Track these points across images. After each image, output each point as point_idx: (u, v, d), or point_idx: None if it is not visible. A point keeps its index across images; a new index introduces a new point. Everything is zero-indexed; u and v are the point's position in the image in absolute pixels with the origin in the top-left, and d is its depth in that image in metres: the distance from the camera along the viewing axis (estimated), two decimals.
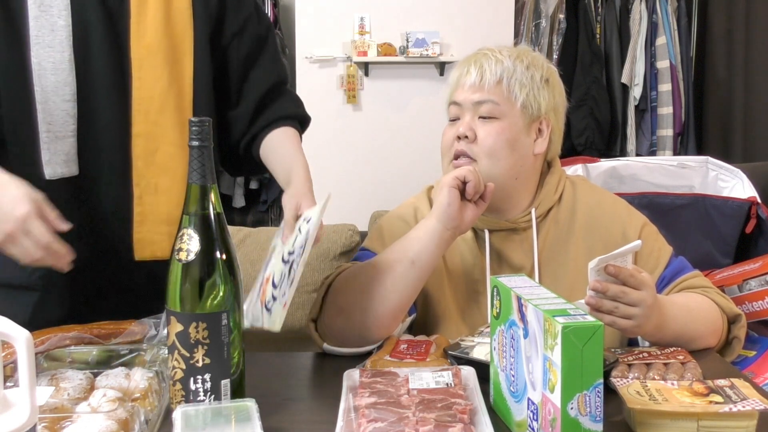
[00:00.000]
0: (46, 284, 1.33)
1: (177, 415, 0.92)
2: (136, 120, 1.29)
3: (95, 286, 1.34)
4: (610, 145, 4.72)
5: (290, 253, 1.16)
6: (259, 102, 1.42)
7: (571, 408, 0.88)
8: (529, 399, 0.97)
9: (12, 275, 1.32)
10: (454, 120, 1.45)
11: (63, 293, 1.34)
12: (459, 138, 1.41)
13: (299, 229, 1.18)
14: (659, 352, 1.26)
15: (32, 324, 1.31)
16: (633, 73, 4.67)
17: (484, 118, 1.41)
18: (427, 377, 1.10)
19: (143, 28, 1.28)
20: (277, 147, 1.39)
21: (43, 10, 1.23)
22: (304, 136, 1.47)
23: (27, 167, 1.25)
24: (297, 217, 1.20)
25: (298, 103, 1.48)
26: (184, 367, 0.96)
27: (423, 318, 1.45)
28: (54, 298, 1.34)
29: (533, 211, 1.43)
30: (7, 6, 1.23)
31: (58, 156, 1.26)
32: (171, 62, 1.31)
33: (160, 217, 1.31)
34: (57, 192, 1.25)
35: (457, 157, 1.41)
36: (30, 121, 1.24)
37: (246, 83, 1.43)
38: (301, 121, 1.46)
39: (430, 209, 1.46)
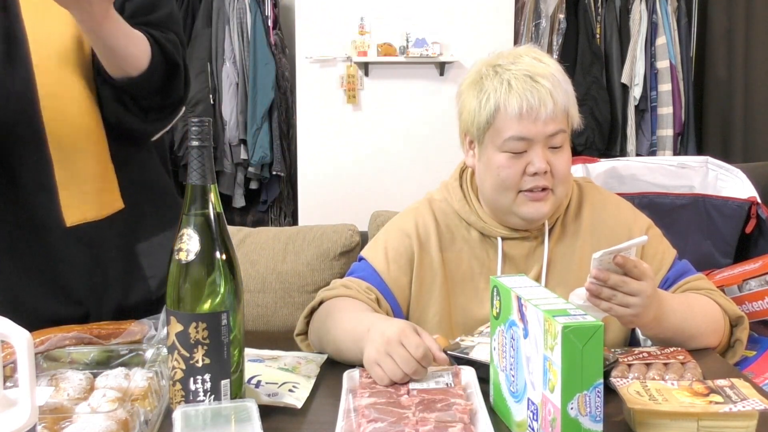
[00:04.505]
0: None
1: (177, 415, 0.92)
2: (40, 82, 1.24)
3: (27, 262, 1.31)
4: (610, 145, 4.71)
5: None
6: None
7: (571, 408, 0.88)
8: (529, 399, 0.97)
9: None
10: (516, 153, 1.35)
11: None
12: (536, 174, 1.35)
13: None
14: (659, 352, 1.26)
15: None
16: (633, 73, 4.66)
17: (554, 148, 1.36)
18: (427, 377, 1.10)
19: None
20: None
21: None
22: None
23: None
24: None
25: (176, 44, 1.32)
26: (184, 367, 0.96)
27: (423, 319, 1.45)
28: None
29: (546, 219, 1.43)
30: None
31: None
32: (63, 12, 1.21)
33: (84, 177, 1.28)
34: None
35: (531, 189, 1.37)
36: None
37: None
38: (166, 54, 1.28)
39: (432, 221, 1.46)
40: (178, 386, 0.97)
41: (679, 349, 1.28)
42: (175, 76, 1.31)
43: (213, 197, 0.99)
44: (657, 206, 2.10)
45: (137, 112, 1.30)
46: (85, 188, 1.29)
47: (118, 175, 1.33)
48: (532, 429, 0.96)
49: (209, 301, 0.97)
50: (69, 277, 1.32)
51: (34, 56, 1.24)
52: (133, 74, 1.23)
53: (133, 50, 1.22)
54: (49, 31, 1.25)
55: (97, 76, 1.28)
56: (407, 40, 4.40)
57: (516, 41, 4.54)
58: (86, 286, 1.33)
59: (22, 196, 1.28)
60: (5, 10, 1.24)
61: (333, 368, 1.24)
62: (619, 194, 1.56)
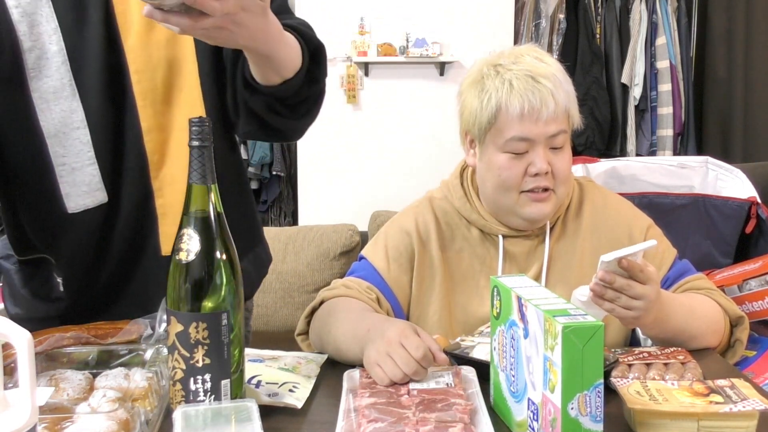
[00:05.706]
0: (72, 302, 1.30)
1: (177, 415, 0.92)
2: (143, 116, 1.23)
3: (124, 291, 1.31)
4: (610, 145, 4.72)
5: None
6: None
7: (572, 408, 0.88)
8: (529, 399, 0.97)
9: (35, 309, 1.31)
10: (517, 153, 1.35)
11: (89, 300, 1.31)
12: (537, 174, 1.35)
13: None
14: (659, 352, 1.26)
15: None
16: (633, 73, 4.67)
17: (555, 148, 1.36)
18: (427, 377, 1.10)
19: (127, 8, 1.19)
20: None
21: (33, 39, 1.16)
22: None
23: (47, 202, 1.22)
24: None
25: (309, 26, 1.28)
26: (184, 367, 0.96)
27: (423, 318, 1.45)
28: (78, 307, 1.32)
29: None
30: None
31: (78, 188, 1.21)
32: (166, 41, 1.21)
33: (180, 209, 1.28)
34: (83, 222, 1.23)
35: (533, 190, 1.36)
36: (42, 156, 1.19)
37: None
38: (308, 41, 1.22)
39: (432, 220, 1.46)
40: (179, 386, 0.97)
41: (680, 349, 1.28)
42: (319, 61, 1.26)
43: (213, 197, 0.99)
44: (657, 206, 2.10)
45: (287, 113, 1.27)
46: None
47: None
48: (533, 429, 0.96)
49: (209, 301, 0.97)
50: (157, 306, 1.31)
51: (135, 87, 1.22)
52: (288, 76, 1.19)
53: (290, 52, 1.18)
54: (149, 60, 1.22)
55: (245, 90, 1.24)
56: (407, 40, 4.40)
57: (516, 41, 4.55)
58: None
59: (126, 224, 1.27)
60: (110, 42, 1.21)
61: (333, 368, 1.24)
62: (619, 194, 1.56)
